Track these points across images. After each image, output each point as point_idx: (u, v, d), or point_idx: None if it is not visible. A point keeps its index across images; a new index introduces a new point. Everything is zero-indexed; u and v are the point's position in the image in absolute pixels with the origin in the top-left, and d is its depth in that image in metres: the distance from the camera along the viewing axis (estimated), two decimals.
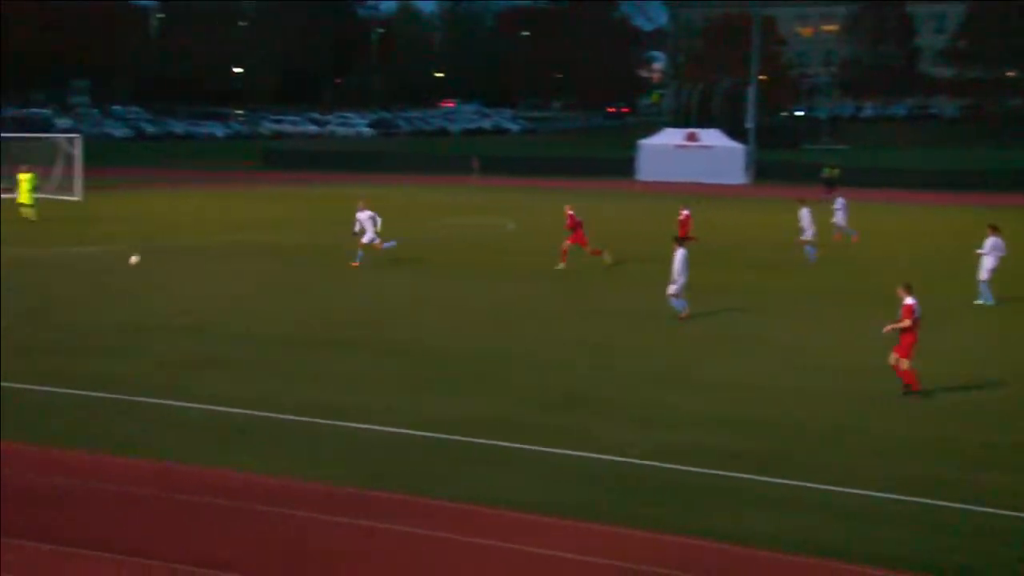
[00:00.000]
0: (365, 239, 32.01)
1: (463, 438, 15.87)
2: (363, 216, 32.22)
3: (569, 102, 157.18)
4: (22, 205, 42.69)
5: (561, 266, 32.48)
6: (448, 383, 19.14)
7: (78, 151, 54.36)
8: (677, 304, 24.93)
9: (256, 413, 16.79)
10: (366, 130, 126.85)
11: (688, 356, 21.95)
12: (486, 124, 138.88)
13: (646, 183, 75.63)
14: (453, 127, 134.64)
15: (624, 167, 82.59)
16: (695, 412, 17.76)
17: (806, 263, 34.93)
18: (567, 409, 17.74)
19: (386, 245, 32.40)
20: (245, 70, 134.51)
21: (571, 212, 33.20)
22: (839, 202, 41.59)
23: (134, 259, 28.25)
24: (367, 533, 12.37)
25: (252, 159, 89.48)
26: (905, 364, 18.68)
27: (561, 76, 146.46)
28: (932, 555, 12.39)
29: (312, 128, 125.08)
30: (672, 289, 24.84)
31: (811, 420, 17.55)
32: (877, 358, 19.79)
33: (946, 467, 15.39)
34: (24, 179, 43.32)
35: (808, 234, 35.55)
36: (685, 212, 37.99)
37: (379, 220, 32.25)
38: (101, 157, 70.91)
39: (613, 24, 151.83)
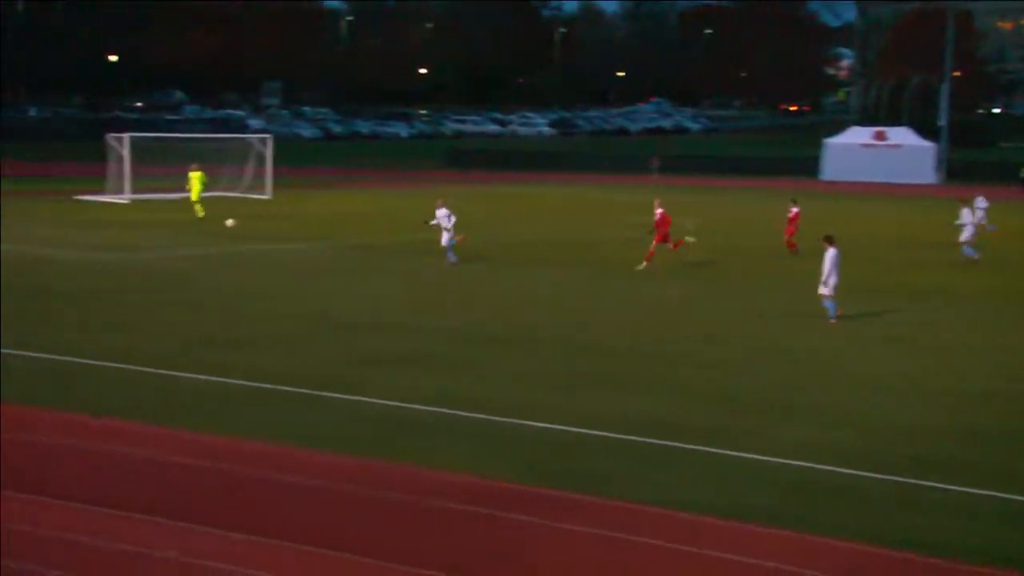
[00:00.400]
0: (444, 240, 31.92)
1: (634, 437, 15.74)
2: (440, 213, 32.17)
3: (750, 101, 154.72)
4: (193, 203, 44.18)
5: (643, 266, 31.66)
6: (615, 381, 19.04)
7: (269, 151, 56.26)
8: (828, 305, 24.26)
9: (434, 409, 16.99)
10: (546, 130, 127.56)
11: (854, 356, 21.28)
12: (666, 123, 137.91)
13: (830, 183, 73.82)
14: (633, 126, 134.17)
15: (808, 166, 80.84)
16: (863, 414, 17.21)
17: (969, 262, 33.78)
18: (734, 409, 17.42)
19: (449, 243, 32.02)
20: (430, 71, 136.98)
21: (660, 210, 32.50)
22: (980, 201, 38.94)
23: (230, 222, 28.75)
24: (536, 531, 12.38)
25: (435, 158, 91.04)
26: None
27: (744, 75, 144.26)
28: None
29: (494, 128, 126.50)
30: (823, 290, 24.19)
31: (991, 425, 16.79)
32: None
33: None
34: (195, 177, 44.78)
35: (967, 234, 34.49)
36: (795, 210, 36.74)
37: (454, 218, 32.12)
38: (290, 157, 73.25)
39: (799, 20, 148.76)
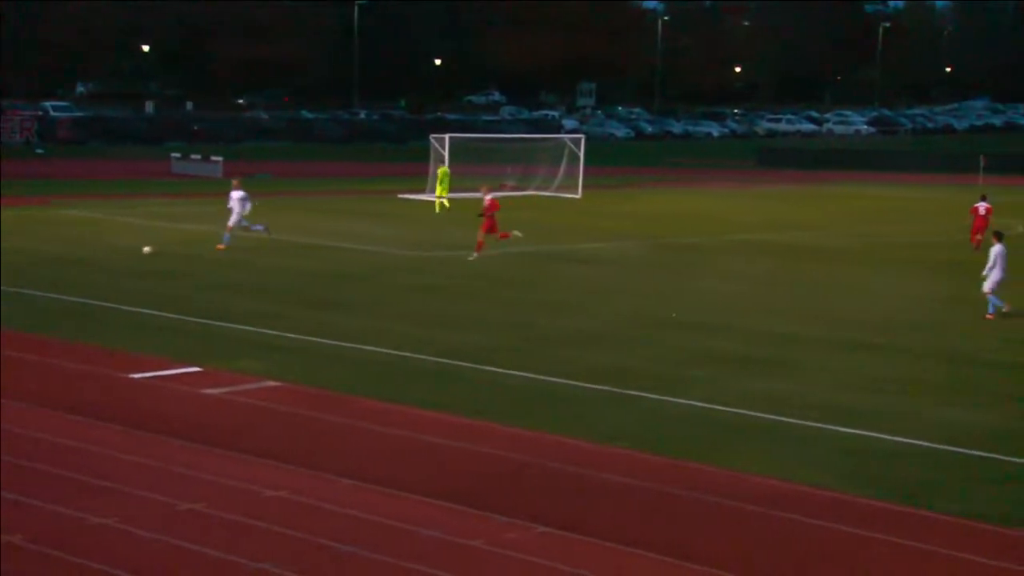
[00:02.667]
0: (231, 221, 31.85)
1: (971, 451, 15.02)
2: (235, 196, 31.99)
3: None
4: (438, 198, 46.06)
5: (474, 257, 29.67)
6: (950, 389, 18.27)
7: (582, 151, 57.18)
8: (992, 300, 24.01)
9: (761, 415, 16.83)
10: (864, 128, 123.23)
11: None
12: (996, 121, 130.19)
13: None
14: (959, 124, 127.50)
15: None
16: None
17: None
18: None
19: (255, 228, 32.28)
20: (745, 69, 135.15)
21: (489, 197, 31.54)
22: None
23: (147, 249, 29.69)
24: (845, 539, 12.05)
25: (746, 158, 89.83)
26: None
27: None
28: None
29: (808, 127, 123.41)
30: (986, 286, 24.05)
31: None
32: None
33: None
34: (441, 173, 46.92)
35: None
36: (984, 205, 34.76)
37: (249, 205, 31.93)
38: (602, 157, 74.16)
39: None
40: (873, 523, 12.48)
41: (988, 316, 24.08)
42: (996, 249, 23.97)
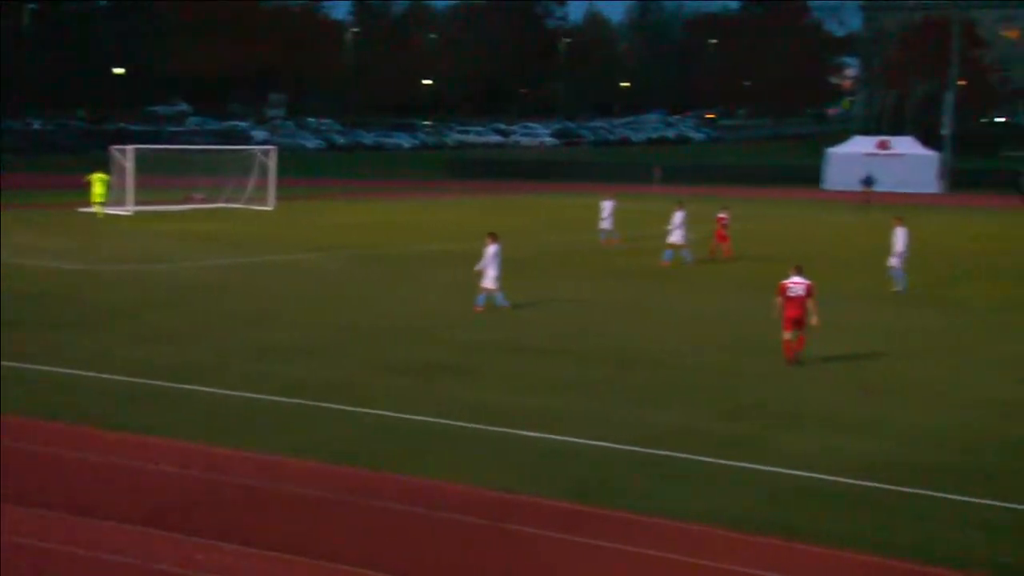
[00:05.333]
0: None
1: (657, 451, 15.65)
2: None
3: (756, 110, 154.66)
4: (93, 204, 46.48)
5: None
6: (643, 392, 19.04)
7: (272, 162, 56.38)
8: (490, 298, 25.92)
9: (442, 422, 17.01)
10: (549, 140, 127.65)
11: (872, 364, 21.28)
12: (669, 133, 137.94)
13: (832, 192, 73.76)
14: (636, 136, 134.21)
15: (812, 176, 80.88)
16: (889, 425, 17.18)
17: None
18: (748, 419, 17.41)
19: None
20: (434, 81, 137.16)
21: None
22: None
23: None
24: (539, 542, 12.36)
25: (437, 169, 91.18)
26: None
27: (749, 84, 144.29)
28: None
29: (496, 138, 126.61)
30: (486, 282, 25.85)
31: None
32: None
33: None
34: (95, 179, 47.42)
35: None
36: (723, 215, 37.28)
37: None
38: (294, 168, 73.40)
39: (804, 29, 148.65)
40: (558, 523, 12.88)
41: (477, 308, 25.69)
42: (491, 249, 25.65)
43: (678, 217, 35.71)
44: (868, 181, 65.23)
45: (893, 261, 30.60)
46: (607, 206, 41.04)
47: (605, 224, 40.67)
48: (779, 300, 21.17)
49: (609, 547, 12.21)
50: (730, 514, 13.21)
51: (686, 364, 21.45)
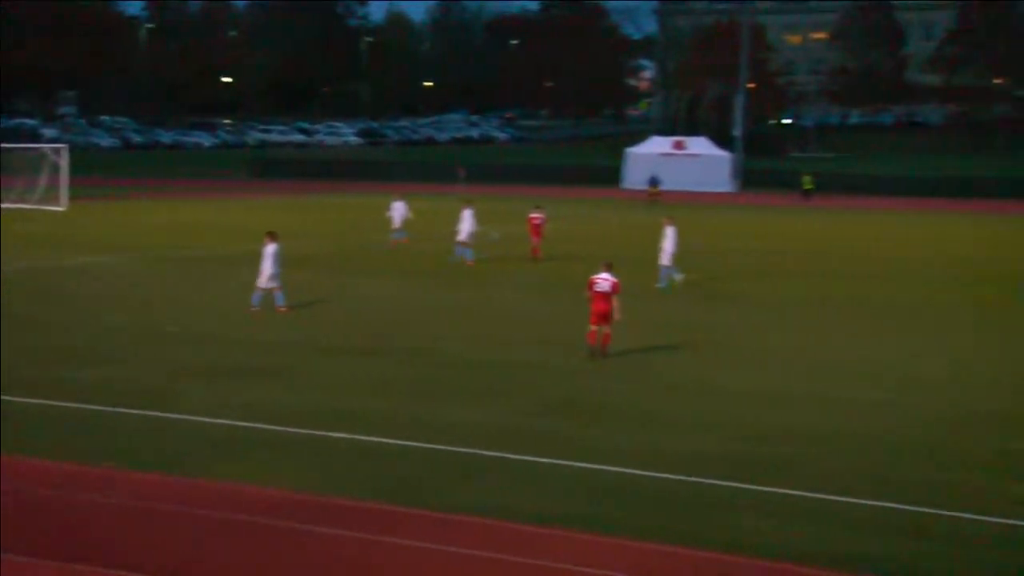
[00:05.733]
0: None
1: (467, 449, 15.75)
2: None
3: (558, 111, 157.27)
4: None
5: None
6: (454, 391, 19.12)
7: (64, 161, 54.33)
8: (263, 297, 25.84)
9: (256, 425, 16.75)
10: (353, 139, 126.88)
11: (684, 362, 21.95)
12: (473, 133, 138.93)
13: (632, 191, 75.69)
14: (440, 136, 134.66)
15: (612, 175, 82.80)
16: (695, 420, 17.69)
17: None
18: (571, 417, 17.67)
19: None
20: (234, 79, 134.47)
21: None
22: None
23: None
24: (345, 544, 12.33)
25: (238, 168, 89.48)
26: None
27: (550, 85, 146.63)
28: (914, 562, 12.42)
29: (299, 137, 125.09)
30: (261, 281, 25.88)
31: (815, 426, 17.42)
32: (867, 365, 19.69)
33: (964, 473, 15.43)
34: None
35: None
36: (537, 215, 37.44)
37: None
38: (88, 167, 70.88)
39: (602, 32, 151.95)
40: (369, 524, 12.87)
41: (252, 308, 25.70)
42: (269, 248, 25.79)
43: (467, 215, 36.00)
44: (654, 181, 67.35)
45: (664, 260, 31.19)
46: (398, 207, 41.08)
47: (396, 224, 40.74)
48: (588, 294, 21.85)
49: (419, 547, 12.28)
50: (540, 510, 13.43)
51: (492, 362, 21.72)
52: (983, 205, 68.39)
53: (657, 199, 63.84)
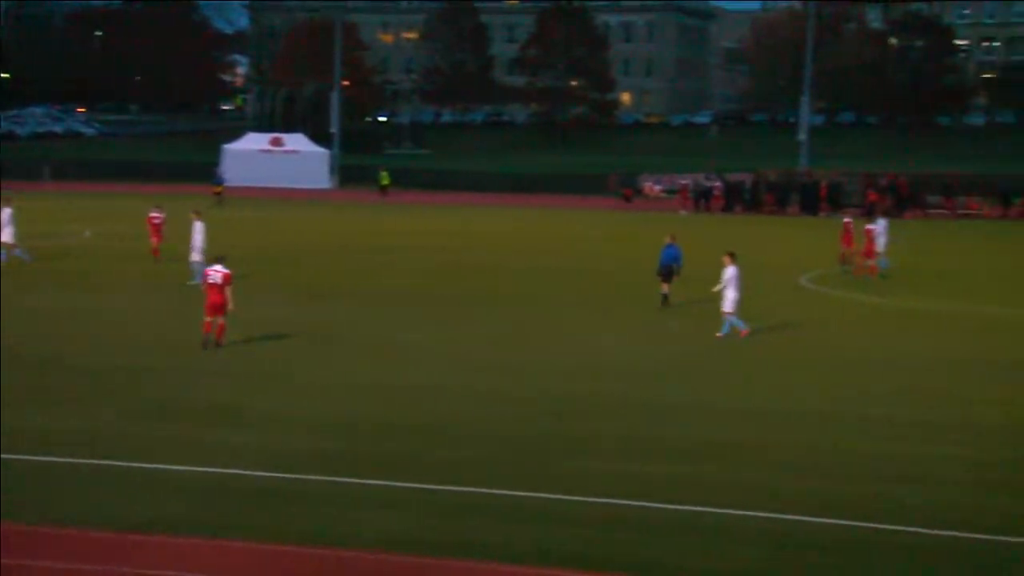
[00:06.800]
0: None
1: (55, 459, 15.32)
2: None
3: (149, 106, 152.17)
4: None
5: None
6: (49, 397, 18.54)
7: None
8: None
9: None
10: None
11: (282, 359, 22.31)
12: (58, 128, 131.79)
13: (231, 188, 74.94)
14: (22, 130, 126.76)
15: (208, 172, 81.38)
16: (294, 416, 17.91)
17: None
18: (165, 419, 17.55)
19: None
20: None
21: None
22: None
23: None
24: None
25: None
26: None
27: (139, 78, 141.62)
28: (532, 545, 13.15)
29: None
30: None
31: (415, 419, 18.00)
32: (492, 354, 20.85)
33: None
34: None
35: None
36: (157, 215, 36.29)
37: None
38: None
39: (192, 26, 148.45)
40: None
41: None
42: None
43: (5, 214, 34.38)
44: (218, 180, 66.42)
45: (194, 255, 30.31)
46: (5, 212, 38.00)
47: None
48: (203, 286, 22.54)
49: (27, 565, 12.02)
50: (150, 517, 13.32)
51: (91, 367, 21.23)
52: (552, 200, 72.14)
53: (221, 196, 62.22)
